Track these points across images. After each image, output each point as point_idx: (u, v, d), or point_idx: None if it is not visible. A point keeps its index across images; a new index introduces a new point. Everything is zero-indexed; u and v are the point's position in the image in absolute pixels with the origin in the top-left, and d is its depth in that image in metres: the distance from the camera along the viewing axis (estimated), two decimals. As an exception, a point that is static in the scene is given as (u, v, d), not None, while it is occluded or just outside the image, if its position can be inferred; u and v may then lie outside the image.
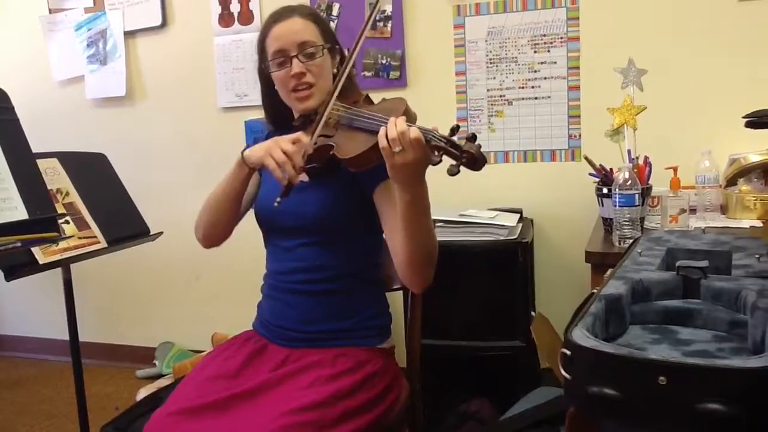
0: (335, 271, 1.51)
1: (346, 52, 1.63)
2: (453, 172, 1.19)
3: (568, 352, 0.82)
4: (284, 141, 1.36)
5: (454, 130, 1.24)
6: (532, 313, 2.33)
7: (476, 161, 1.20)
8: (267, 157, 1.36)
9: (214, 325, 3.10)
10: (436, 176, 1.38)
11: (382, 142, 1.23)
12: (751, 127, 1.82)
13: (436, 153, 1.23)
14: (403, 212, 1.32)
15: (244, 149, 1.67)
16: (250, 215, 1.65)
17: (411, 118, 1.35)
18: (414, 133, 1.21)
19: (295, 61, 1.48)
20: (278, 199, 1.36)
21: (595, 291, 1.02)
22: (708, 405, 0.72)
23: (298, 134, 1.36)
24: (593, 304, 0.96)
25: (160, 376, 3.10)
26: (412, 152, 1.21)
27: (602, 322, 0.95)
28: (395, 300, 1.74)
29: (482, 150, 1.22)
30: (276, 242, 1.58)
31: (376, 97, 1.56)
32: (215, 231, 1.62)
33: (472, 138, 1.21)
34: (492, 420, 2.20)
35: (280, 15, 1.53)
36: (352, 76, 1.61)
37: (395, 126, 1.22)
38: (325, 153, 1.40)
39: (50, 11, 3.33)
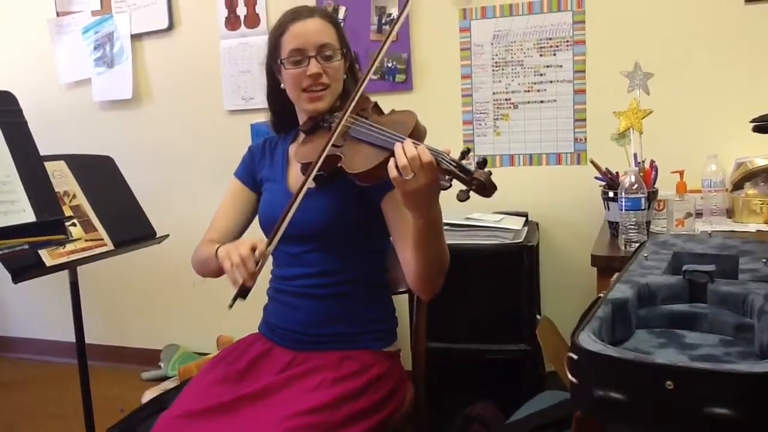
0: (341, 275, 1.52)
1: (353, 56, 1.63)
2: (462, 198, 1.18)
3: (575, 356, 0.82)
4: (243, 245, 1.32)
5: (465, 153, 1.22)
6: (538, 317, 2.33)
7: (486, 188, 1.18)
8: (225, 260, 1.32)
9: (219, 328, 3.10)
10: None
11: (392, 173, 1.20)
12: (759, 132, 1.81)
13: (446, 177, 1.20)
14: (417, 236, 1.31)
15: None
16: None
17: (420, 132, 1.33)
18: (426, 157, 1.18)
19: (313, 61, 1.48)
20: (230, 303, 1.32)
21: (601, 295, 1.02)
22: (715, 410, 0.72)
23: (256, 241, 1.33)
24: (600, 308, 0.95)
25: (165, 378, 3.11)
26: (424, 177, 1.19)
27: (609, 326, 0.95)
28: (400, 303, 1.74)
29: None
30: (281, 248, 1.58)
31: (381, 101, 1.55)
32: (210, 276, 1.61)
33: (483, 163, 1.18)
34: (496, 423, 2.20)
35: (300, 13, 1.51)
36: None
37: (404, 153, 1.19)
38: (332, 163, 1.39)
39: (57, 14, 3.34)
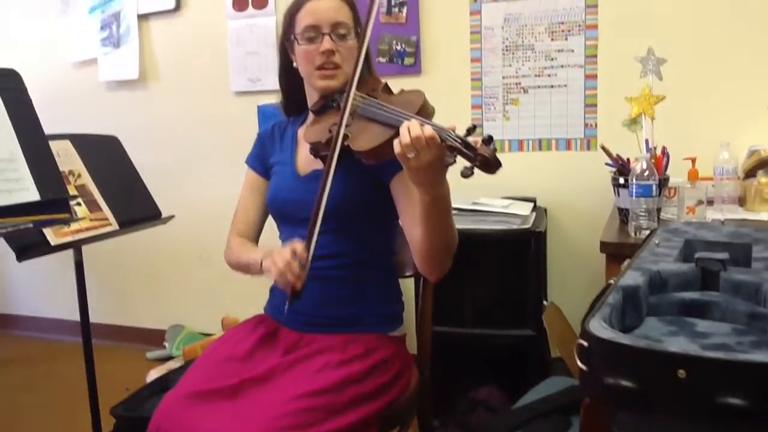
0: (350, 258, 1.51)
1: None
2: (466, 174, 1.17)
3: (586, 343, 0.80)
4: (284, 251, 1.36)
5: (470, 130, 1.21)
6: (545, 303, 2.32)
7: (490, 165, 1.17)
8: (271, 268, 1.38)
9: (225, 308, 3.10)
10: (449, 162, 1.36)
11: (397, 149, 1.20)
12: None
13: (451, 153, 1.20)
14: (423, 212, 1.30)
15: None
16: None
17: (428, 112, 1.33)
18: (429, 132, 1.17)
19: (326, 38, 1.47)
20: (287, 306, 1.41)
21: (612, 282, 1.01)
22: (728, 399, 0.70)
23: (295, 245, 1.36)
24: (611, 294, 0.94)
25: (169, 358, 3.12)
26: (428, 153, 1.18)
27: (619, 313, 0.93)
28: (407, 287, 1.73)
29: (497, 139, 1.19)
30: (289, 231, 1.58)
31: (390, 84, 1.53)
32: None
33: (488, 140, 1.17)
34: (501, 407, 2.20)
35: None
36: (371, 63, 1.59)
37: (408, 132, 1.18)
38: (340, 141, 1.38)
39: (64, -7, 3.32)
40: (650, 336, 0.93)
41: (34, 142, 1.48)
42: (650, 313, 1.01)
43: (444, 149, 1.19)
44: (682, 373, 0.73)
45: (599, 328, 0.81)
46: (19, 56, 3.39)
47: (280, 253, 1.37)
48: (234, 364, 1.41)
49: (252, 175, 1.69)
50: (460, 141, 1.19)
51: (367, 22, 1.40)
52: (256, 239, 1.69)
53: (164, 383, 2.07)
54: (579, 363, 0.81)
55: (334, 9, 1.49)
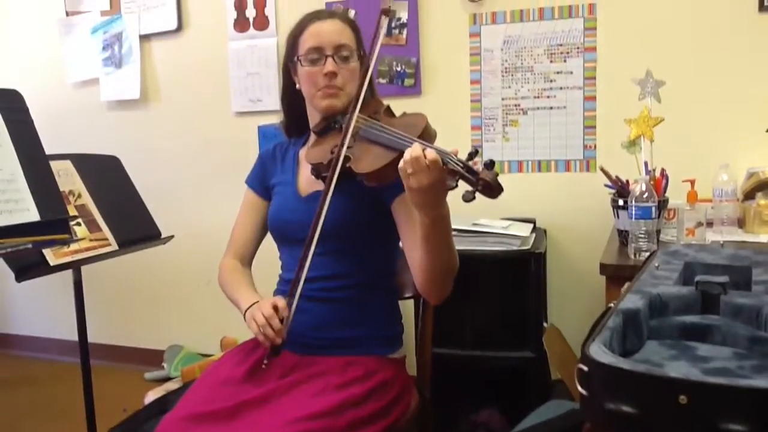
0: (350, 280, 1.51)
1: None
2: (468, 198, 1.17)
3: (586, 368, 0.80)
4: (265, 306, 1.39)
5: (472, 155, 1.21)
6: (544, 324, 2.31)
7: (492, 189, 1.17)
8: (251, 322, 1.41)
9: (224, 329, 3.09)
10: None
11: (400, 165, 1.21)
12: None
13: (453, 177, 1.20)
14: (424, 234, 1.30)
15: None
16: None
17: (430, 135, 1.34)
18: (430, 155, 1.18)
19: (329, 59, 1.48)
20: (265, 361, 1.43)
21: (612, 305, 1.00)
22: (730, 425, 0.70)
23: (276, 300, 1.40)
24: (611, 318, 0.94)
25: (168, 379, 3.10)
26: (428, 175, 1.18)
27: (619, 337, 0.93)
28: (407, 308, 1.73)
29: (496, 160, 1.19)
30: (289, 251, 1.58)
31: (391, 104, 1.54)
32: None
33: (490, 165, 1.18)
34: (502, 430, 2.18)
35: (320, 14, 1.54)
36: (373, 86, 1.60)
37: (410, 151, 1.20)
38: (342, 164, 1.38)
39: (67, 14, 3.35)
40: (651, 360, 0.93)
41: (35, 162, 1.49)
42: (651, 337, 1.01)
43: (446, 173, 1.19)
44: (683, 398, 0.72)
45: (599, 352, 0.81)
46: (21, 76, 3.41)
47: (260, 308, 1.39)
48: (232, 387, 1.40)
49: (251, 195, 1.69)
50: (462, 165, 1.19)
51: (373, 46, 1.41)
52: (251, 259, 1.70)
53: (162, 404, 2.05)
54: (579, 388, 0.81)
55: (337, 31, 1.50)
